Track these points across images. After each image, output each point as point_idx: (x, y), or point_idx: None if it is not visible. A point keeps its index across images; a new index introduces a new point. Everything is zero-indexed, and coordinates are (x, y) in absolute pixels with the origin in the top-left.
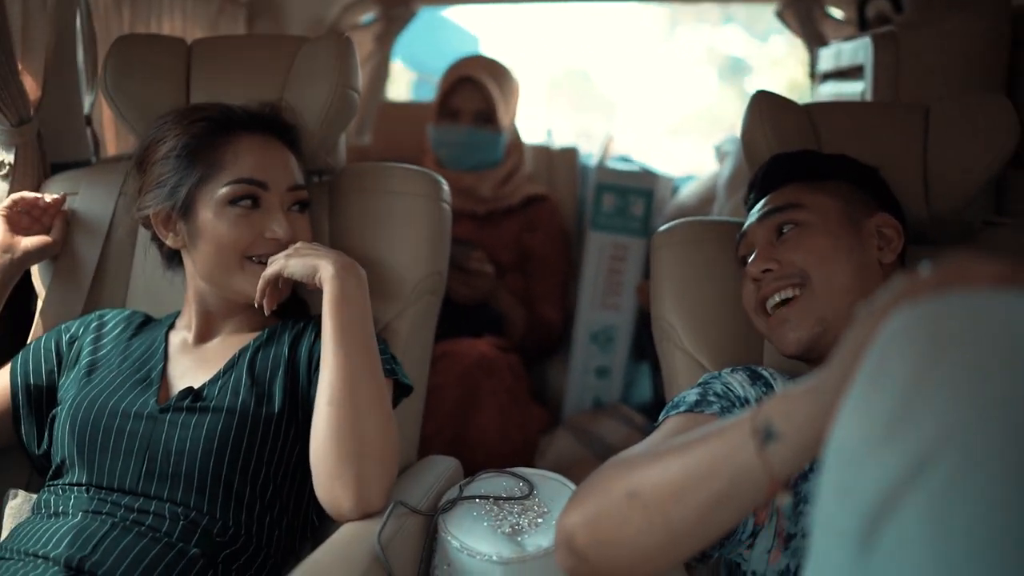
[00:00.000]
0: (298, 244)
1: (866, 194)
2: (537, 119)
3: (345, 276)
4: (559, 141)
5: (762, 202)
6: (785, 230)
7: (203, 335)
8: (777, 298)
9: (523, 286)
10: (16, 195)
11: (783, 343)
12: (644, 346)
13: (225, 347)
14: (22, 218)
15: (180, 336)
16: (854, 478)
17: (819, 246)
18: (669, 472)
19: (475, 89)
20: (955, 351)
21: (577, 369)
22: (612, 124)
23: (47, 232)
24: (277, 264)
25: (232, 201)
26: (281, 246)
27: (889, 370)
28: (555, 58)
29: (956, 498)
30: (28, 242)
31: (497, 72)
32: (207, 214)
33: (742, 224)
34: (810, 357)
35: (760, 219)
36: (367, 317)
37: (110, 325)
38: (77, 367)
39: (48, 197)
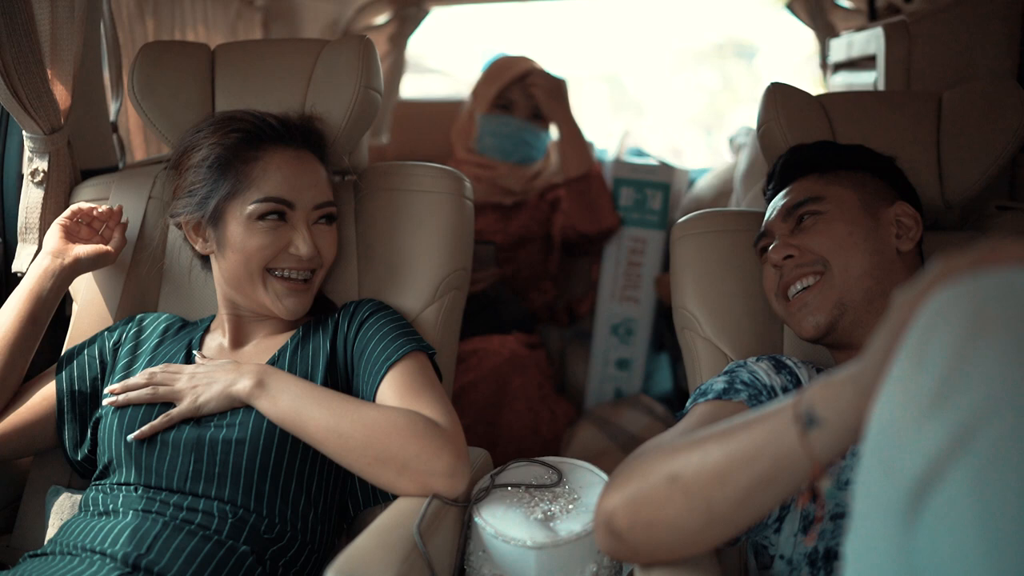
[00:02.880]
0: (194, 372)
1: (883, 183)
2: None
3: (261, 384)
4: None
5: (781, 194)
6: (805, 220)
7: (237, 340)
8: (799, 286)
9: (542, 258)
10: (75, 206)
11: (801, 327)
12: (663, 337)
13: (261, 350)
14: (81, 228)
15: (216, 340)
16: (898, 453)
17: (838, 234)
18: (711, 457)
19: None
20: (996, 326)
21: (598, 361)
22: (643, 123)
23: (106, 243)
24: (189, 405)
25: (260, 217)
26: (303, 262)
27: (931, 348)
28: (584, 61)
29: (1001, 467)
30: (81, 250)
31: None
32: (235, 226)
33: (761, 215)
34: (828, 341)
35: (780, 215)
36: (300, 384)
37: (149, 330)
38: (119, 371)
39: (103, 207)
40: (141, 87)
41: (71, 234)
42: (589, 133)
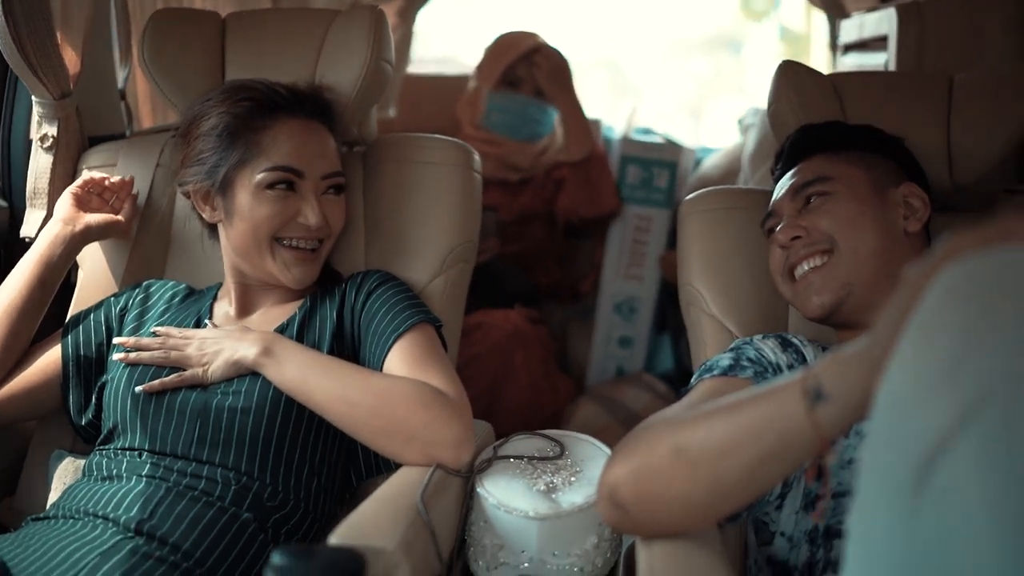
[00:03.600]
0: (204, 338)
1: (892, 164)
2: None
3: (267, 351)
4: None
5: (789, 174)
6: (812, 200)
7: (244, 308)
8: (806, 266)
9: (547, 236)
10: (86, 175)
11: (806, 306)
12: (666, 316)
13: (268, 319)
14: (92, 199)
15: (223, 308)
16: (906, 428)
17: (846, 213)
18: (717, 430)
19: (542, 60)
20: (1006, 302)
21: (601, 338)
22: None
23: (116, 214)
24: (197, 372)
25: (269, 186)
26: (311, 231)
27: (941, 323)
28: (584, 45)
29: (1009, 440)
30: (92, 218)
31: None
32: (244, 195)
33: (770, 194)
34: (832, 321)
35: (789, 194)
36: (306, 352)
37: (156, 296)
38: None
39: (115, 178)
40: (151, 54)
41: (82, 203)
42: (594, 112)
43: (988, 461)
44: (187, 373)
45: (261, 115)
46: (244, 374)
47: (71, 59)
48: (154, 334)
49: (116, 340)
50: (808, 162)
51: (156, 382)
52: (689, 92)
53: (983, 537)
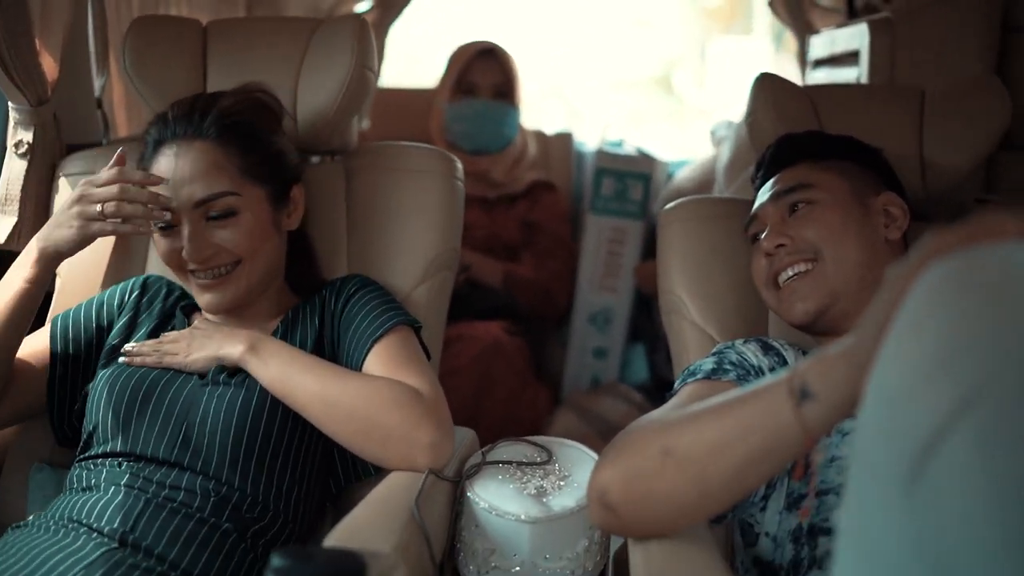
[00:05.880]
0: (196, 328)
1: (871, 174)
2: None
3: (253, 349)
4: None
5: (772, 181)
6: (798, 208)
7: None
8: (791, 272)
9: (536, 267)
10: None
11: (790, 313)
12: (640, 327)
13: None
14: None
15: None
16: (900, 419)
17: (831, 222)
18: (705, 431)
19: (493, 62)
20: (995, 294)
21: (576, 350)
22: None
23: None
24: (180, 360)
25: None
26: (200, 264)
27: (928, 319)
28: (536, 73)
29: (1004, 430)
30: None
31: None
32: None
33: (749, 203)
34: (815, 329)
35: (772, 199)
36: (291, 351)
37: (150, 294)
38: (117, 336)
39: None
40: (133, 61)
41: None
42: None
43: (984, 448)
44: (170, 357)
45: (152, 151)
46: (226, 368)
47: (49, 66)
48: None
49: (125, 347)
50: (791, 170)
51: (138, 358)
52: (626, 122)
53: (979, 529)
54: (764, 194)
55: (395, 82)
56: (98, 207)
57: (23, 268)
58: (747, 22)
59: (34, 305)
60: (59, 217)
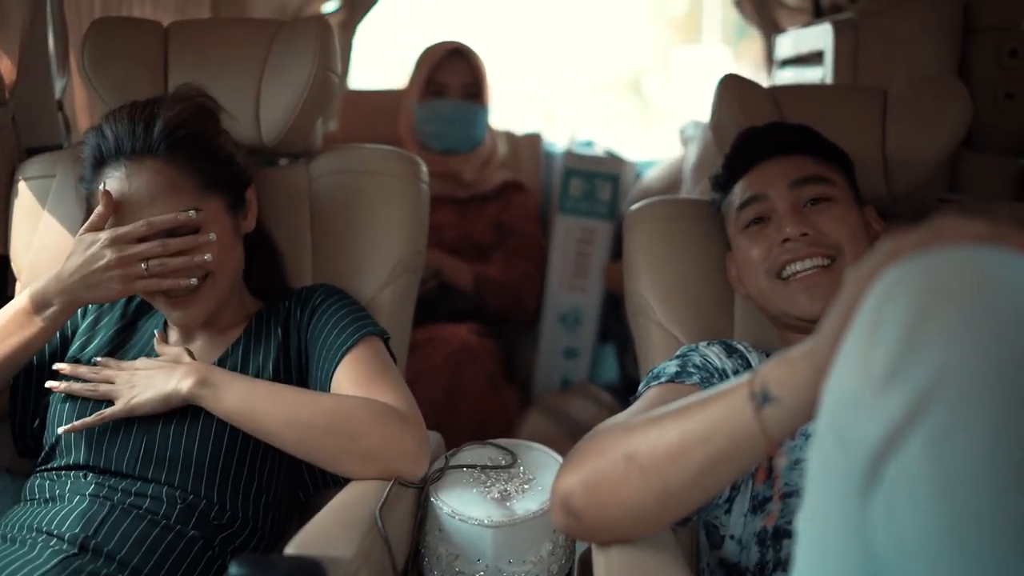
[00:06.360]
0: (136, 370)
1: (852, 185)
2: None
3: (203, 382)
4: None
5: (775, 161)
6: (820, 202)
7: (187, 334)
8: (808, 264)
9: (507, 269)
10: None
11: (798, 306)
12: (610, 327)
13: (215, 343)
14: None
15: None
16: (854, 425)
17: (853, 224)
18: (667, 434)
19: (462, 62)
20: (947, 300)
21: (546, 350)
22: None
23: None
24: (123, 406)
25: None
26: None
27: (883, 323)
28: (513, 74)
29: (957, 434)
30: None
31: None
32: None
33: (714, 203)
34: (801, 324)
35: (784, 183)
36: (247, 381)
37: (107, 307)
38: (76, 344)
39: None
40: (91, 63)
41: None
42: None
43: (938, 451)
44: (111, 409)
45: (92, 173)
46: (177, 407)
47: (6, 68)
48: (94, 363)
49: (56, 366)
50: (795, 158)
51: (79, 423)
52: (597, 125)
53: (933, 528)
54: (769, 173)
55: (370, 84)
56: (143, 266)
57: (33, 316)
58: (699, 33)
59: (40, 347)
60: (89, 277)
